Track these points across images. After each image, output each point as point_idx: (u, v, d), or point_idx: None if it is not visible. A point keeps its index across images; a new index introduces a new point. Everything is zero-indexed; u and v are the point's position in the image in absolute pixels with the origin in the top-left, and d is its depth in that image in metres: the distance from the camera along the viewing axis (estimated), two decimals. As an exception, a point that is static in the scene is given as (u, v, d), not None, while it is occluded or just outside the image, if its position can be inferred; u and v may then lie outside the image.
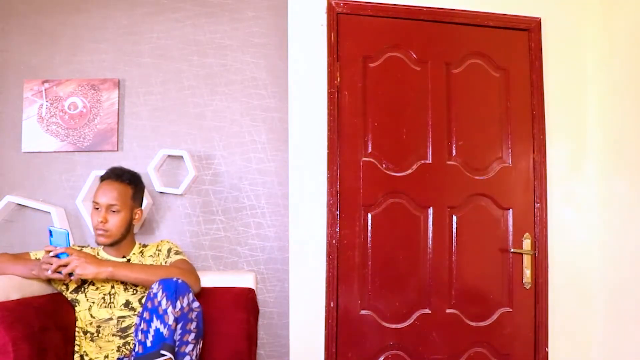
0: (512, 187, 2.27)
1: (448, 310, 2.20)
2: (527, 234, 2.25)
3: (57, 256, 1.64)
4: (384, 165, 2.20)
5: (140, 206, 1.90)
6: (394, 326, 2.17)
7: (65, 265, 1.60)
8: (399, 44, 2.25)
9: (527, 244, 2.24)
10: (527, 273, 2.23)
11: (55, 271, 1.61)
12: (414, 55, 2.26)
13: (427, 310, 2.19)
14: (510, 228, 2.26)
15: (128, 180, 1.83)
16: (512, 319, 2.23)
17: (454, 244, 2.23)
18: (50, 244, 1.68)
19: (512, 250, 2.24)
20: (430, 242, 2.21)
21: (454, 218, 2.24)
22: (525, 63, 2.30)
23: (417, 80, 2.25)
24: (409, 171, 2.21)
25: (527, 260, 2.23)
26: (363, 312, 2.16)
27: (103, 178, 1.83)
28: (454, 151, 2.25)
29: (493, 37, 2.30)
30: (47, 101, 2.19)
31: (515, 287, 2.24)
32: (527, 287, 2.24)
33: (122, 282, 1.78)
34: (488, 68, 2.30)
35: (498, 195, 2.26)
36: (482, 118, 2.28)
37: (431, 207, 2.22)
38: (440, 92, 2.26)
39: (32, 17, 2.25)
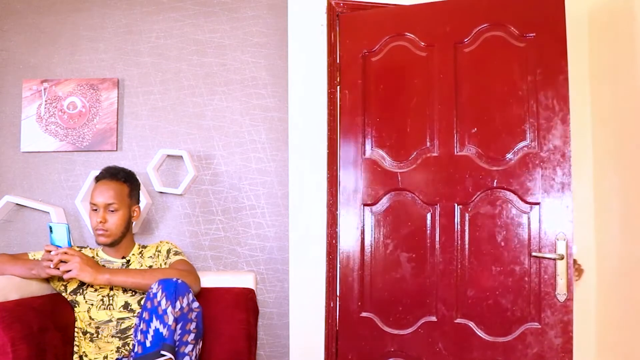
0: (541, 177, 1.91)
1: (458, 320, 1.97)
2: (560, 233, 1.88)
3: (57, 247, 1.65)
4: (386, 162, 2.12)
5: (138, 203, 1.90)
6: (396, 332, 2.04)
7: (65, 262, 1.61)
8: (402, 32, 2.11)
9: (561, 245, 1.86)
10: (561, 282, 1.85)
11: (56, 267, 1.62)
12: (419, 41, 2.10)
13: (432, 318, 2.00)
14: (539, 227, 1.89)
15: (124, 179, 1.83)
16: (540, 337, 1.87)
17: (467, 245, 1.98)
18: (51, 240, 1.69)
19: (540, 254, 1.88)
20: (437, 242, 2.02)
21: (466, 216, 1.99)
22: (560, 24, 1.94)
23: (423, 68, 2.08)
24: (413, 166, 2.07)
25: (561, 266, 1.86)
26: (364, 314, 2.11)
27: (98, 178, 1.83)
28: (465, 140, 2.01)
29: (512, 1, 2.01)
30: (46, 101, 2.19)
31: (545, 299, 1.87)
32: (561, 300, 1.86)
33: (120, 285, 1.78)
34: (509, 38, 2.00)
35: (521, 188, 1.93)
36: (501, 99, 1.98)
37: (438, 205, 2.02)
38: (449, 77, 2.04)
39: (30, 17, 2.24)
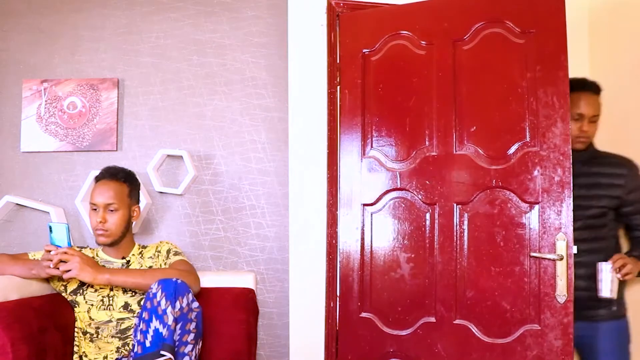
0: (541, 176, 1.88)
1: (457, 321, 1.94)
2: (560, 233, 1.83)
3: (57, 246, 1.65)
4: (386, 162, 2.11)
5: (138, 203, 1.89)
6: (395, 332, 2.02)
7: (65, 261, 1.61)
8: (401, 30, 2.11)
9: (560, 246, 1.82)
10: (561, 283, 1.80)
11: (55, 267, 1.62)
12: (417, 38, 2.08)
13: (431, 319, 1.98)
14: (539, 227, 1.86)
15: (123, 179, 1.83)
16: (540, 338, 1.83)
17: (465, 245, 1.96)
18: (50, 239, 1.69)
19: (539, 254, 1.84)
20: (436, 242, 2.00)
21: (465, 215, 1.97)
22: (560, 21, 1.90)
23: (422, 66, 2.06)
24: (413, 165, 2.06)
25: (560, 267, 1.81)
26: (363, 314, 2.10)
27: (98, 178, 1.83)
28: (464, 139, 1.99)
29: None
30: (46, 101, 2.19)
31: (545, 300, 1.83)
32: (561, 302, 1.81)
33: (120, 285, 1.78)
34: (508, 35, 1.97)
35: (521, 187, 1.90)
36: (501, 96, 1.96)
37: (437, 204, 2.00)
38: (448, 75, 2.02)
39: (31, 17, 2.24)
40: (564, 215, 1.84)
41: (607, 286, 1.76)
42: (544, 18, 1.93)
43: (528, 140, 1.90)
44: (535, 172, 1.88)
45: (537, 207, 1.87)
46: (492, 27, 1.99)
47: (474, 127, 1.97)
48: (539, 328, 1.83)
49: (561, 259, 1.80)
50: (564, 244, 1.81)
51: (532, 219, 1.88)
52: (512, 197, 1.91)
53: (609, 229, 1.93)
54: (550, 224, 1.85)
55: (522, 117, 1.92)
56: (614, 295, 1.76)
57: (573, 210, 1.81)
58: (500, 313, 1.89)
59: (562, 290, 1.80)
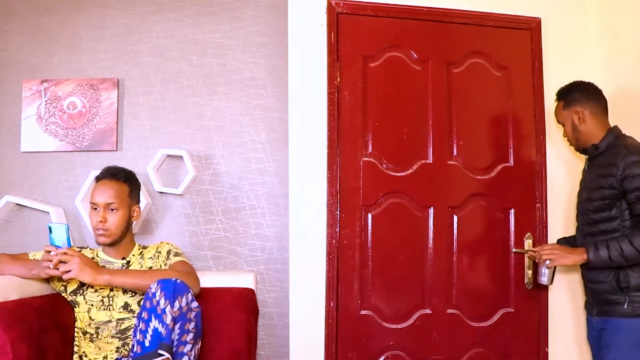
0: (514, 187, 2.28)
1: (449, 311, 2.21)
2: (528, 234, 2.26)
3: (57, 247, 1.65)
4: (384, 165, 2.20)
5: (138, 203, 1.89)
6: (394, 326, 2.17)
7: (64, 262, 1.60)
8: (400, 44, 2.25)
9: (528, 244, 2.25)
10: (529, 273, 2.23)
11: (55, 267, 1.61)
12: (415, 55, 2.26)
13: (427, 311, 2.20)
14: (512, 228, 2.26)
15: (124, 178, 1.83)
16: (513, 319, 2.24)
17: (455, 244, 2.23)
18: (50, 240, 1.68)
19: (513, 250, 2.25)
20: (431, 242, 2.21)
21: (455, 218, 2.24)
22: (528, 62, 2.31)
23: (418, 80, 2.25)
24: (410, 171, 2.21)
25: (528, 260, 2.24)
26: (363, 312, 2.15)
27: (99, 178, 1.83)
28: (455, 151, 2.26)
29: (494, 36, 2.30)
30: (46, 101, 2.19)
31: (517, 287, 2.25)
32: (529, 288, 2.25)
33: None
34: (490, 67, 2.30)
35: (499, 195, 2.27)
36: (483, 117, 2.29)
37: (432, 207, 2.22)
38: (441, 92, 2.26)
39: (31, 17, 2.24)
40: (530, 219, 2.27)
41: (540, 274, 2.03)
42: (515, 59, 2.31)
43: (505, 157, 2.29)
44: (511, 184, 2.28)
45: (511, 212, 2.28)
46: (477, 57, 2.30)
47: (462, 142, 2.27)
48: (513, 310, 2.25)
49: (530, 253, 2.17)
50: (530, 242, 2.26)
51: (507, 222, 2.28)
52: (492, 203, 2.27)
53: (622, 221, 1.82)
54: (521, 226, 2.27)
55: (500, 138, 2.30)
56: (548, 283, 2.03)
57: (579, 206, 2.01)
58: (483, 300, 2.25)
59: (530, 279, 2.25)
